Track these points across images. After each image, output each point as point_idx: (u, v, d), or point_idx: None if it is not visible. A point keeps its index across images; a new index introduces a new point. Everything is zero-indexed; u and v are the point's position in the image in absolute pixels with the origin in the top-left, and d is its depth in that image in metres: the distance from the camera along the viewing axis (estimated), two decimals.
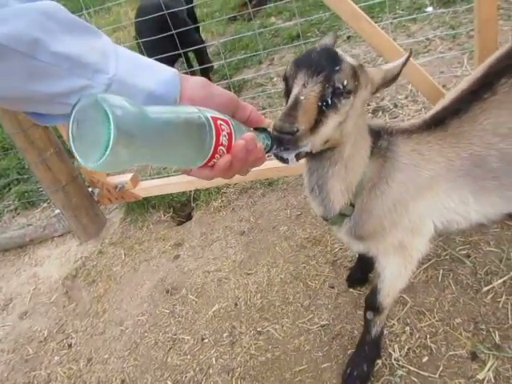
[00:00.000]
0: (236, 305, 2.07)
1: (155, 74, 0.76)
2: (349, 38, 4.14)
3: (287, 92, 1.12)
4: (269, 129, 0.91)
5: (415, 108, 2.91)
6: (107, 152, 0.54)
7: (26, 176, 3.75)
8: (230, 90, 2.75)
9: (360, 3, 4.13)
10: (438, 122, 1.36)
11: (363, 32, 2.02)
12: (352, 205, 1.34)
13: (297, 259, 2.19)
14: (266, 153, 0.89)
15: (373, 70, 1.21)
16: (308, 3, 4.99)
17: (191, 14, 4.13)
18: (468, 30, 3.44)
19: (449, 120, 1.35)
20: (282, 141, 1.00)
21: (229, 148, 0.74)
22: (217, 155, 0.72)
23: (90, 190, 2.84)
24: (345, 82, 1.07)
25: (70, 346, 2.20)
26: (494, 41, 1.90)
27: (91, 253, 2.76)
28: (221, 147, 0.72)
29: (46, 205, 3.43)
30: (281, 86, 3.84)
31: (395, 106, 3.03)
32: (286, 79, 1.14)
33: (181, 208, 2.85)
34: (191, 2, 4.16)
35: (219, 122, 0.72)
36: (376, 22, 2.04)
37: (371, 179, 1.33)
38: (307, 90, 1.06)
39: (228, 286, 2.18)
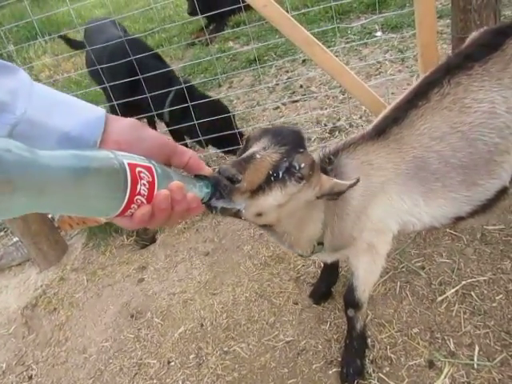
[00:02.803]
0: (202, 325, 2.08)
1: (75, 113, 0.72)
2: (304, 61, 4.29)
3: (243, 151, 1.12)
4: (209, 178, 0.86)
5: None
6: None
7: None
8: (189, 114, 2.76)
9: (313, 29, 4.32)
10: (380, 132, 1.47)
11: (316, 57, 2.13)
12: (321, 243, 1.45)
13: (261, 277, 2.23)
14: (205, 202, 0.84)
15: (324, 177, 1.23)
16: (264, 28, 5.15)
17: None
18: (415, 53, 3.65)
19: (389, 128, 1.46)
20: (219, 184, 0.93)
21: (150, 197, 0.68)
22: (133, 205, 0.66)
23: (49, 216, 2.79)
24: (302, 165, 1.07)
25: (30, 377, 2.13)
26: (435, 63, 2.04)
27: (52, 280, 2.69)
28: (138, 197, 0.66)
29: (2, 233, 3.32)
30: (241, 108, 3.93)
31: (350, 125, 3.16)
32: (248, 140, 1.14)
33: (144, 231, 2.83)
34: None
35: (138, 169, 0.66)
36: (329, 47, 2.16)
37: (333, 210, 1.42)
38: (265, 152, 1.05)
39: (193, 307, 2.19)
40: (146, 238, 2.79)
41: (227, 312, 2.10)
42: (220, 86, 4.44)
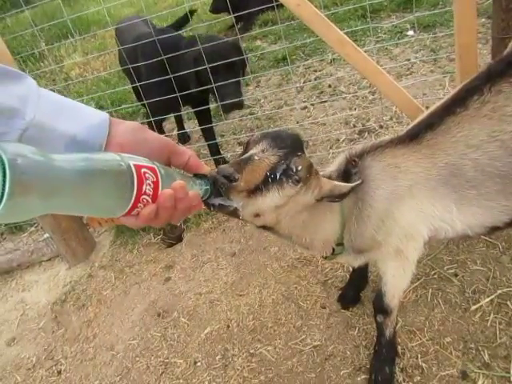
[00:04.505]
0: (228, 327, 2.07)
1: (80, 117, 0.75)
2: (333, 60, 4.24)
3: (242, 154, 1.14)
4: (208, 176, 0.90)
5: (400, 129, 2.99)
6: (2, 203, 0.51)
7: None
8: (218, 112, 2.77)
9: (343, 27, 4.26)
10: (412, 136, 1.44)
11: (348, 57, 2.09)
12: (341, 243, 1.43)
13: (288, 280, 2.21)
14: (205, 200, 0.88)
15: (325, 179, 1.25)
16: (292, 27, 5.11)
17: None
18: (448, 53, 3.56)
19: (423, 133, 1.42)
20: (216, 182, 0.97)
21: (154, 197, 0.72)
22: (140, 204, 0.70)
23: None
24: (299, 168, 1.10)
25: (59, 372, 2.16)
26: (474, 65, 1.98)
27: (81, 277, 2.73)
28: (144, 196, 0.70)
29: (33, 229, 3.39)
30: (268, 107, 3.91)
31: (380, 126, 3.10)
32: (247, 143, 1.17)
33: (171, 230, 2.85)
34: None
35: (143, 169, 0.70)
36: (359, 46, 2.12)
37: (353, 211, 1.40)
38: (263, 154, 1.08)
39: (220, 307, 2.18)
40: (172, 237, 2.80)
41: (254, 314, 2.09)
42: (247, 85, 4.43)
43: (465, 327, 1.77)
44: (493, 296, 1.84)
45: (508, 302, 1.80)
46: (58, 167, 0.58)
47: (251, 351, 1.93)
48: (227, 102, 2.66)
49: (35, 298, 2.73)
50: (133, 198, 0.68)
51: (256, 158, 1.07)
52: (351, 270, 2.01)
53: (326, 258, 1.53)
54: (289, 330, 1.97)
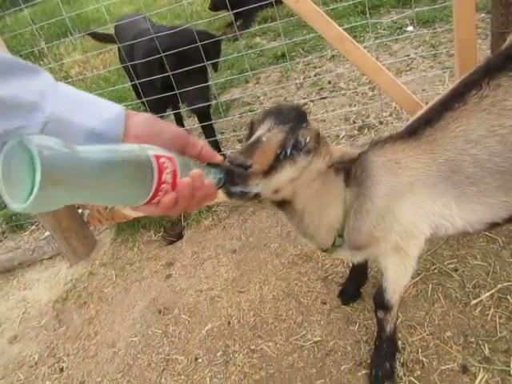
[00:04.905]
0: (229, 323, 2.08)
1: (98, 111, 0.75)
2: (333, 57, 4.23)
3: (249, 136, 1.16)
4: (221, 165, 0.91)
5: (400, 125, 2.98)
6: (33, 194, 0.53)
7: None
8: (218, 110, 2.77)
9: (343, 24, 4.25)
10: (411, 132, 1.43)
11: (348, 53, 2.09)
12: (341, 235, 1.43)
13: (288, 276, 2.21)
14: (219, 188, 0.89)
15: (333, 146, 1.29)
16: (292, 23, 5.10)
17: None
18: (448, 48, 3.55)
19: (422, 129, 1.42)
20: (232, 173, 1.00)
21: (173, 185, 0.74)
22: (160, 193, 0.72)
23: (79, 211, 2.84)
24: (307, 139, 1.12)
25: (61, 369, 2.17)
26: (474, 60, 1.97)
27: (82, 275, 2.74)
28: (164, 185, 0.72)
29: (34, 227, 3.40)
30: (268, 104, 3.90)
31: (380, 123, 3.10)
32: (251, 124, 1.18)
33: (171, 227, 2.86)
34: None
35: (162, 159, 0.71)
36: (358, 42, 2.12)
37: (353, 204, 1.40)
38: (270, 134, 1.10)
39: (221, 304, 2.19)
40: (173, 234, 2.82)
41: (254, 310, 2.10)
42: (247, 82, 4.43)
43: (465, 322, 1.77)
44: (493, 290, 1.84)
45: (508, 297, 1.80)
46: (82, 158, 0.59)
47: (252, 347, 1.93)
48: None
49: (37, 297, 2.73)
50: (154, 187, 0.70)
51: (264, 138, 1.08)
52: (351, 265, 2.01)
53: (325, 251, 1.52)
54: (289, 325, 1.97)
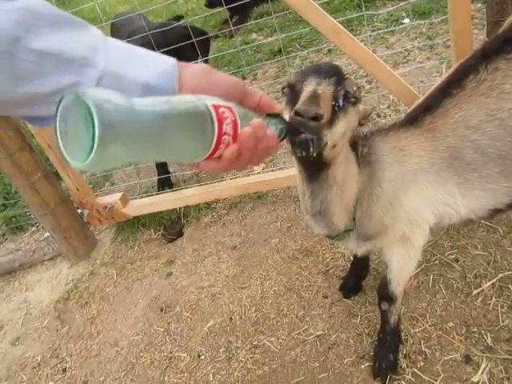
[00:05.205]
0: (231, 319, 2.08)
1: (150, 64, 0.73)
2: (330, 51, 4.22)
3: (292, 98, 1.10)
4: (282, 115, 0.85)
5: (397, 117, 2.97)
6: (93, 151, 0.51)
7: (12, 201, 3.72)
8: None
9: (339, 17, 4.23)
10: (412, 120, 1.43)
11: (344, 46, 2.08)
12: (353, 218, 1.40)
13: (289, 271, 2.21)
14: (281, 140, 0.84)
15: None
16: (288, 19, 5.08)
17: None
18: (444, 39, 3.53)
19: (422, 117, 1.42)
20: (306, 126, 0.96)
21: (234, 137, 0.69)
22: (221, 145, 0.68)
23: (79, 211, 2.83)
24: (354, 88, 1.09)
25: (64, 370, 2.17)
26: (469, 50, 1.96)
27: (83, 274, 2.74)
28: (225, 136, 0.68)
29: (34, 228, 3.39)
30: None
31: (378, 115, 3.09)
32: (291, 86, 1.12)
33: (171, 225, 2.85)
34: None
35: (221, 109, 0.67)
36: (355, 35, 2.10)
37: (365, 189, 1.38)
38: (322, 87, 1.05)
39: (222, 300, 2.19)
40: (173, 232, 2.82)
41: (256, 306, 2.09)
42: (244, 78, 4.41)
43: (467, 312, 1.77)
44: (494, 280, 1.84)
45: (510, 285, 1.81)
46: (140, 111, 0.57)
47: (254, 343, 1.93)
48: None
49: (38, 297, 2.73)
50: (215, 139, 0.66)
51: (320, 91, 1.04)
52: (352, 259, 2.01)
53: (333, 238, 1.49)
54: (291, 320, 1.97)
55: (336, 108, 1.06)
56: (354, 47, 2.06)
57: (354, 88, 1.09)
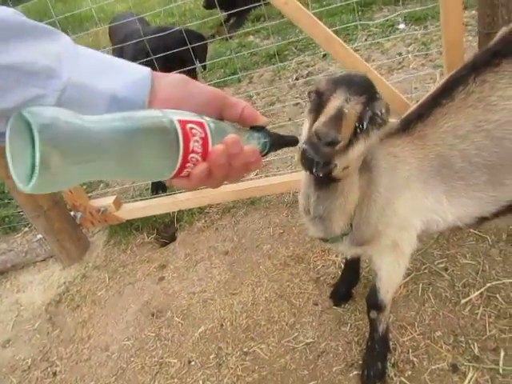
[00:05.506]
0: (222, 326, 2.08)
1: (121, 74, 0.68)
2: (325, 55, 4.23)
3: (318, 106, 1.07)
4: (266, 127, 0.80)
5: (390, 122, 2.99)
6: (36, 173, 0.47)
7: (5, 201, 3.71)
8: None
9: (334, 21, 4.24)
10: (404, 127, 1.45)
11: (337, 54, 2.09)
12: (350, 224, 1.41)
13: (281, 277, 2.22)
14: (265, 154, 0.78)
15: None
16: (285, 22, 5.08)
17: None
18: (439, 46, 3.56)
19: (414, 124, 1.44)
20: (318, 151, 0.95)
21: (204, 154, 0.65)
22: (189, 164, 0.64)
23: (72, 213, 2.83)
24: (383, 111, 1.05)
25: (54, 374, 2.17)
26: (461, 60, 1.99)
27: (75, 277, 2.74)
28: (192, 155, 0.63)
29: (27, 229, 3.38)
30: (260, 104, 3.90)
31: None
32: (318, 93, 1.09)
33: (164, 229, 2.86)
34: None
35: (190, 125, 0.63)
36: (350, 40, 2.12)
37: (364, 194, 1.38)
38: (349, 105, 1.01)
39: (213, 306, 2.19)
40: (166, 236, 2.82)
41: (247, 312, 2.10)
42: (240, 81, 4.42)
43: (455, 321, 1.79)
44: (482, 289, 1.86)
45: (497, 295, 1.82)
46: (91, 129, 0.53)
47: (245, 350, 1.94)
48: None
49: (30, 299, 2.73)
50: (180, 158, 0.62)
51: (346, 111, 1.00)
52: (343, 266, 2.02)
53: (327, 241, 1.49)
54: (282, 327, 1.98)
55: (358, 130, 1.03)
56: (346, 55, 2.08)
57: (383, 110, 1.05)
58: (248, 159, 0.70)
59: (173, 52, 2.53)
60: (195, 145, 0.63)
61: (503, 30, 1.56)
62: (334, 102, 1.02)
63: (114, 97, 0.66)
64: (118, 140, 0.55)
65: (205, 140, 0.64)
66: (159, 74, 0.72)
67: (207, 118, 0.67)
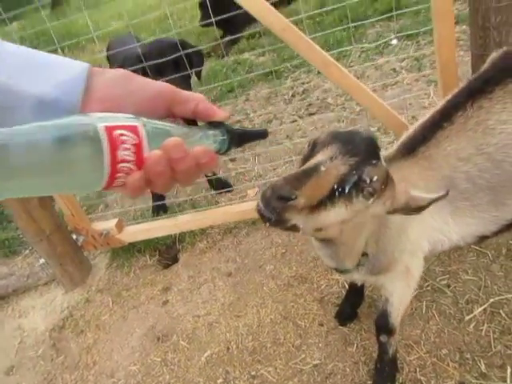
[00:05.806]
0: (228, 349, 2.08)
1: (54, 73, 0.60)
2: (319, 72, 4.28)
3: (307, 157, 1.04)
4: (225, 124, 0.73)
5: (387, 140, 3.03)
6: None
7: (4, 224, 3.71)
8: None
9: (328, 39, 4.30)
10: (409, 149, 1.48)
11: (332, 76, 2.13)
12: (365, 254, 1.41)
13: (285, 298, 2.22)
14: (224, 152, 0.72)
15: (401, 188, 1.11)
16: (280, 39, 5.14)
17: None
18: (432, 61, 3.62)
19: (418, 147, 1.47)
20: (267, 203, 0.90)
21: (139, 162, 0.58)
22: (119, 174, 0.57)
23: (74, 237, 2.84)
24: (374, 179, 0.98)
25: None
26: (455, 77, 2.04)
27: (78, 302, 2.73)
28: (122, 164, 0.57)
29: (27, 252, 3.38)
30: (257, 121, 3.94)
31: None
32: (313, 144, 1.06)
33: (166, 251, 2.86)
34: None
35: (118, 131, 0.56)
36: (345, 56, 2.16)
37: (379, 222, 1.37)
38: (331, 164, 0.96)
39: (219, 329, 2.19)
40: (168, 258, 2.82)
41: (253, 335, 2.11)
42: (236, 97, 4.46)
43: (460, 338, 1.80)
44: (485, 305, 1.87)
45: (500, 311, 1.84)
46: (5, 144, 0.48)
47: (252, 373, 1.94)
48: None
49: (33, 325, 2.71)
50: (106, 169, 0.55)
51: (322, 168, 0.95)
52: (347, 286, 2.03)
53: (342, 272, 1.48)
54: (288, 349, 1.99)
55: (336, 192, 0.96)
56: (342, 77, 2.12)
57: (375, 178, 0.98)
58: (198, 160, 0.63)
59: (167, 60, 2.55)
60: (125, 153, 0.57)
61: (493, 56, 1.62)
62: (317, 157, 0.98)
63: (40, 99, 0.59)
64: (34, 154, 0.50)
65: (138, 146, 0.58)
66: (99, 70, 0.64)
67: (145, 120, 0.60)
